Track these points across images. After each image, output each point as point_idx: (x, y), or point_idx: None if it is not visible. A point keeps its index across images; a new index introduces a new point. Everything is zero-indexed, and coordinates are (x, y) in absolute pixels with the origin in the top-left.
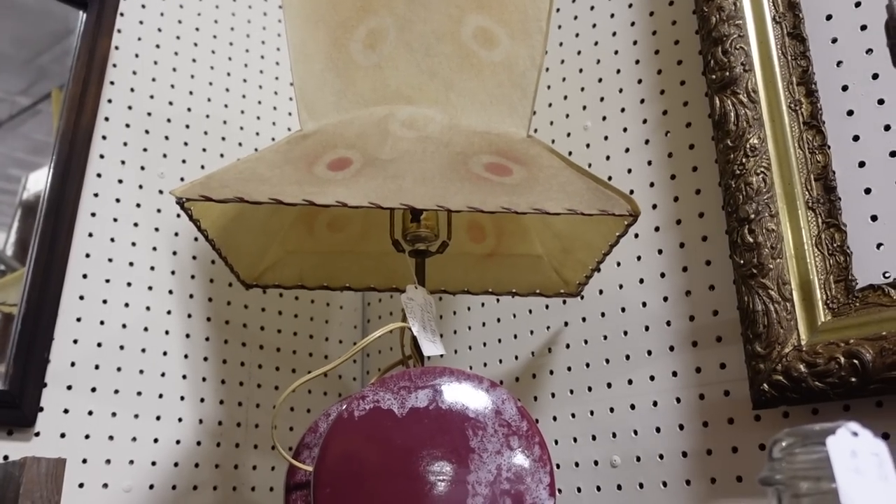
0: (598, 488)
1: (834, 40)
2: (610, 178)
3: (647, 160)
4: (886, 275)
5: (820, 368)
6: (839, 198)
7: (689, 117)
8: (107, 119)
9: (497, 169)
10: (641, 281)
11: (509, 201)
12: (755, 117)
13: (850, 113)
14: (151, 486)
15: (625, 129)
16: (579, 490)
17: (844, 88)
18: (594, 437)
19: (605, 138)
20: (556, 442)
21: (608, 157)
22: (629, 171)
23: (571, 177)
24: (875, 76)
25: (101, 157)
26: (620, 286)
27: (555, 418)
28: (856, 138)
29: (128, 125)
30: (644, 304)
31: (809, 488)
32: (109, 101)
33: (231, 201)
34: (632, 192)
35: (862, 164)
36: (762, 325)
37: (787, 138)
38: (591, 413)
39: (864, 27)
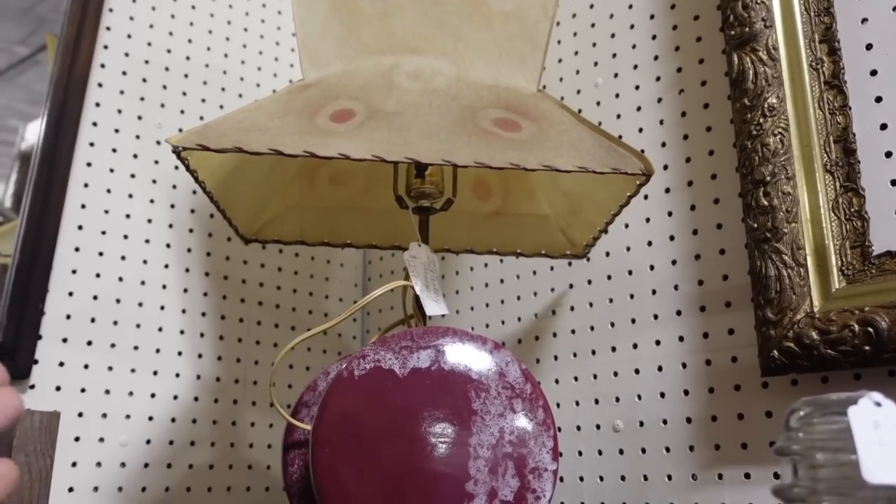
0: (600, 452)
1: None
2: (620, 138)
3: (660, 119)
4: None
5: (833, 336)
6: (858, 161)
7: (704, 75)
8: (103, 66)
9: (506, 124)
10: (650, 243)
11: (518, 157)
12: (774, 76)
13: (874, 73)
14: (148, 441)
15: (637, 87)
16: (580, 454)
17: (869, 47)
18: (597, 401)
19: (617, 96)
20: (558, 405)
21: (619, 116)
22: (640, 130)
23: (583, 133)
24: None
25: (97, 105)
26: (628, 248)
27: (557, 381)
28: (878, 99)
29: (124, 73)
30: (652, 268)
31: (827, 459)
32: (105, 47)
33: (229, 151)
34: (643, 151)
35: (884, 127)
36: (774, 291)
37: (806, 98)
38: (595, 377)
39: None
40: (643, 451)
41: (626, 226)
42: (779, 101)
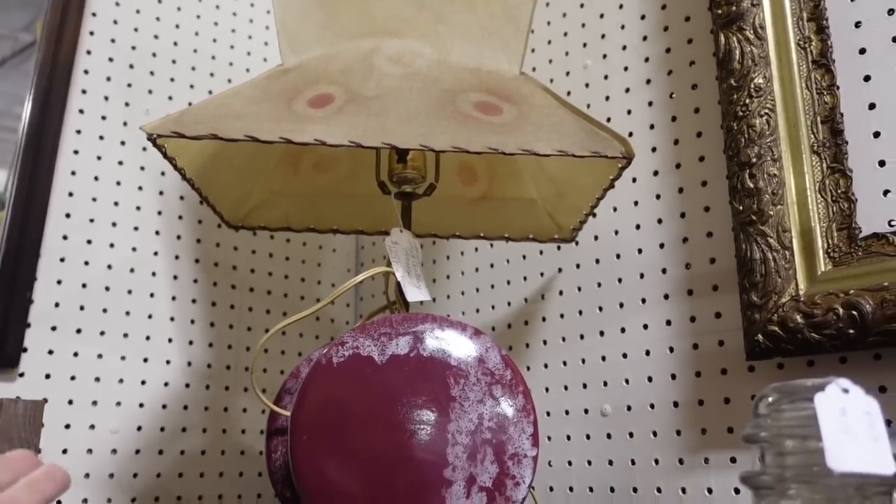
0: (588, 436)
1: None
2: (609, 120)
3: (648, 101)
4: (892, 223)
5: (817, 319)
6: (846, 141)
7: (693, 56)
8: (89, 52)
9: (486, 108)
10: (638, 227)
11: (497, 141)
12: (761, 55)
13: (863, 51)
14: (139, 428)
15: (626, 69)
16: (569, 438)
17: (857, 25)
18: (585, 386)
19: (605, 77)
20: (547, 390)
21: (608, 98)
22: (629, 112)
23: (564, 117)
24: (891, 11)
25: (84, 92)
26: (616, 232)
27: (546, 366)
28: (867, 78)
29: (111, 59)
30: (640, 251)
31: (795, 447)
32: (91, 33)
33: (204, 138)
34: (631, 134)
35: (872, 107)
36: (759, 275)
37: (794, 78)
38: (583, 361)
39: None
40: (630, 435)
41: (615, 209)
42: (765, 81)
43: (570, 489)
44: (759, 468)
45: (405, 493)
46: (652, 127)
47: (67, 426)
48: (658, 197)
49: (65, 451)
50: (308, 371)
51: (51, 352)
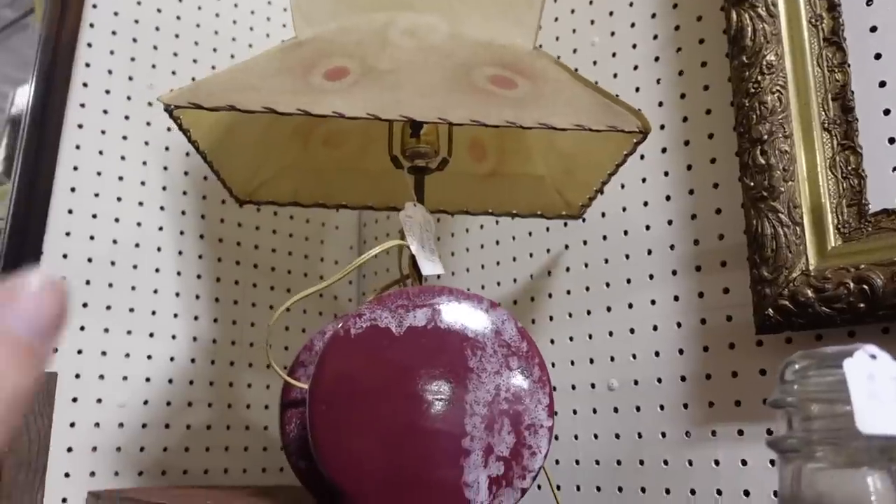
0: (595, 411)
1: None
2: (617, 97)
3: (657, 78)
4: None
5: (828, 294)
6: (857, 118)
7: (702, 33)
8: (92, 26)
9: (501, 82)
10: (646, 204)
11: (514, 115)
12: (773, 33)
13: (874, 29)
14: (146, 402)
15: (634, 46)
16: (575, 413)
17: (869, 2)
18: (592, 361)
19: (613, 55)
20: (553, 365)
21: (615, 75)
22: (637, 89)
23: (579, 91)
24: None
25: (87, 65)
26: (624, 209)
27: (552, 341)
28: (878, 56)
29: (114, 32)
30: (647, 228)
31: (822, 411)
32: (94, 6)
33: (222, 109)
34: (639, 111)
35: (883, 84)
36: (770, 250)
37: (805, 55)
38: (590, 336)
39: None
40: (637, 409)
41: (622, 186)
42: (777, 58)
43: (577, 462)
44: (786, 433)
45: (424, 462)
46: (660, 104)
47: (74, 399)
48: (666, 174)
49: (72, 425)
50: (326, 342)
51: None
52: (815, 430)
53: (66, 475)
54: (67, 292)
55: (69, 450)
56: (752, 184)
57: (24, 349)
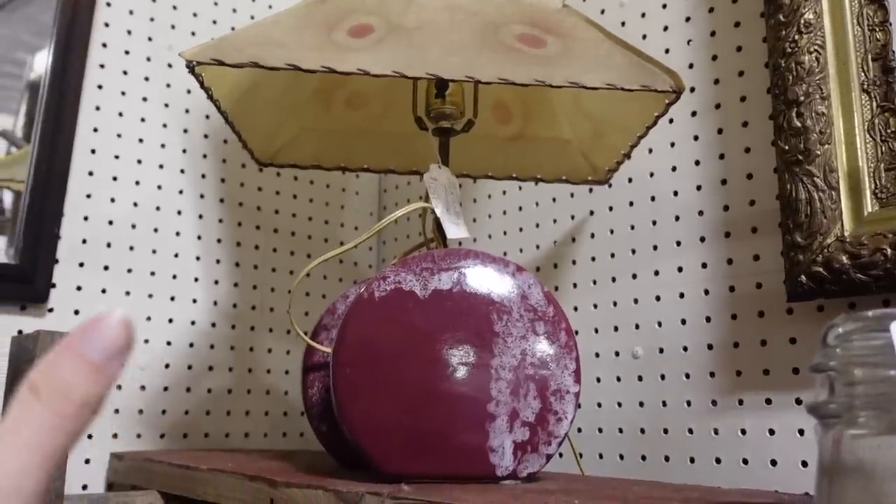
0: (619, 379)
1: None
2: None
3: (688, 39)
4: None
5: (864, 260)
6: None
7: None
8: None
9: (530, 40)
10: (674, 169)
11: (543, 74)
12: None
13: None
14: (167, 366)
15: (664, 6)
16: (598, 380)
17: None
18: (616, 329)
19: (643, 15)
20: (577, 332)
21: (644, 37)
22: (667, 51)
23: (611, 50)
24: None
25: (106, 25)
26: (651, 174)
27: (576, 308)
28: None
29: None
30: (675, 193)
31: (865, 375)
32: None
33: (245, 66)
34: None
35: None
36: (804, 215)
37: (845, 14)
38: (614, 304)
39: None
40: (662, 377)
41: (650, 151)
42: (815, 16)
43: (599, 430)
44: (828, 398)
45: (448, 427)
46: (691, 66)
47: None
48: (696, 138)
49: None
50: (350, 305)
51: (79, 288)
52: (857, 395)
53: (89, 436)
54: (133, 328)
55: None
56: (786, 147)
57: (96, 366)
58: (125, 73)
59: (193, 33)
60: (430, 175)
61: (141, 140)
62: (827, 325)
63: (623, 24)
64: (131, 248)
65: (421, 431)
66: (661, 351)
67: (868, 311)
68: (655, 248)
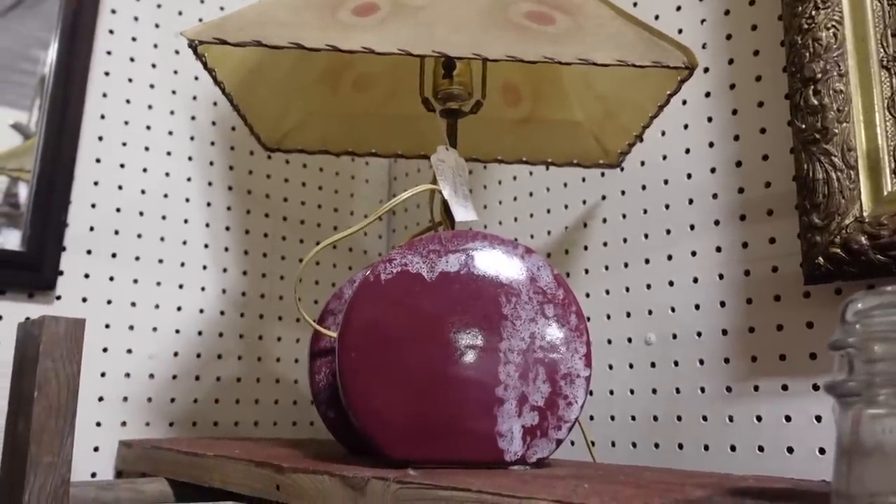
0: (631, 365)
1: None
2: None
3: (701, 19)
4: None
5: (884, 241)
6: None
7: None
8: None
9: (538, 17)
10: (687, 151)
11: (553, 51)
12: None
13: None
14: (176, 354)
15: None
16: (611, 367)
17: None
18: (629, 314)
19: None
20: (589, 319)
21: (657, 17)
22: (680, 31)
23: (622, 27)
24: None
25: (113, 11)
26: (664, 157)
27: (588, 294)
28: None
29: None
30: (689, 176)
31: (886, 351)
32: None
33: (248, 45)
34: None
35: None
36: (822, 195)
37: None
38: (627, 290)
39: None
40: (676, 363)
41: (663, 133)
42: None
43: (612, 418)
44: (846, 376)
45: (456, 411)
46: (704, 46)
47: (105, 349)
48: (710, 119)
49: (103, 374)
50: (355, 288)
51: (87, 275)
52: (877, 372)
53: (98, 424)
54: None
55: (100, 399)
56: (803, 126)
57: None
58: (132, 59)
59: (201, 19)
60: (438, 157)
61: (148, 127)
62: (846, 301)
63: (635, 4)
64: (139, 236)
65: (428, 416)
66: (675, 337)
67: (889, 286)
68: (669, 232)
